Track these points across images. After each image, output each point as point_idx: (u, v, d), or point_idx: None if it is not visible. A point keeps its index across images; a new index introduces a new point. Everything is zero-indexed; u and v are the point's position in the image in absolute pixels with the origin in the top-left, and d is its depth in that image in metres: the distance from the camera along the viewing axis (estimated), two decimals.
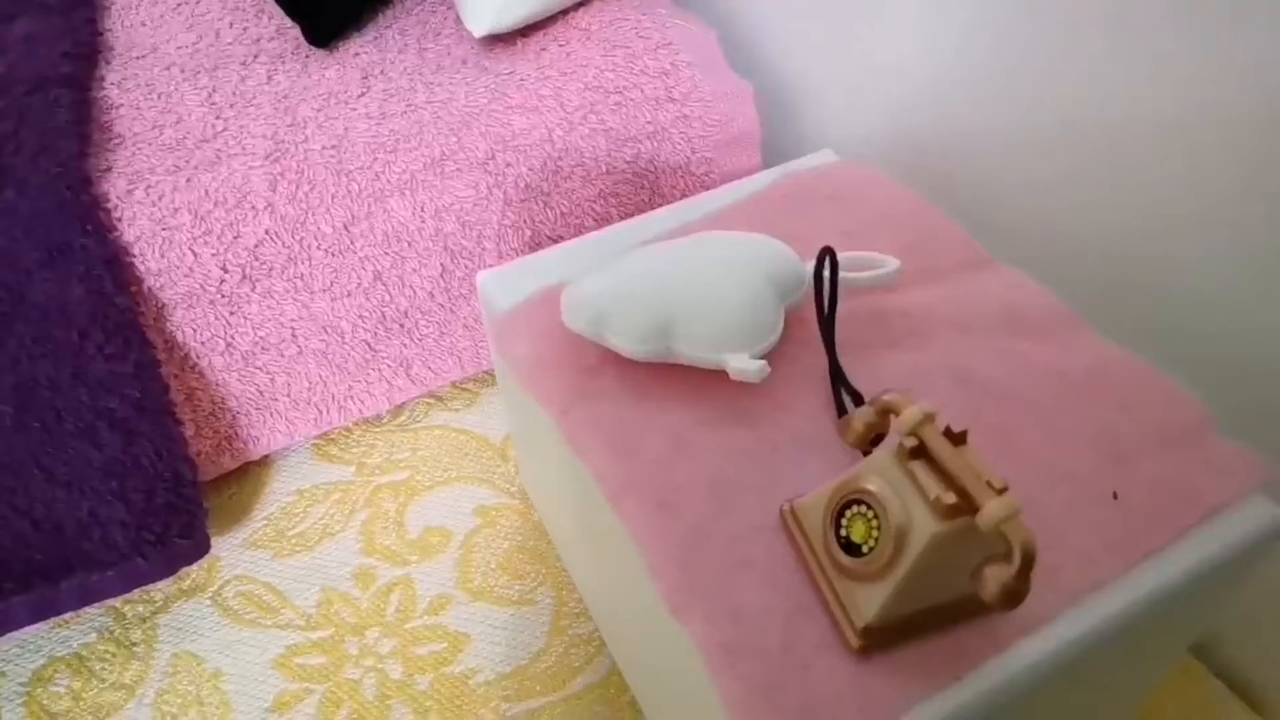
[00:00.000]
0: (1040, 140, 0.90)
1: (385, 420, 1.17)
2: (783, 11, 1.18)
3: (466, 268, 1.06)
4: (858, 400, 0.66)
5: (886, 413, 0.57)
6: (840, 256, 0.73)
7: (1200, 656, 0.91)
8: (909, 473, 0.53)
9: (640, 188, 1.11)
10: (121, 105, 1.02)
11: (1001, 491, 0.50)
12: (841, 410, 0.67)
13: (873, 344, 0.73)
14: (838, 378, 0.68)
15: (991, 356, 0.72)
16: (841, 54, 1.10)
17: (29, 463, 0.86)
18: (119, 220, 0.90)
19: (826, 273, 0.70)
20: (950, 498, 0.51)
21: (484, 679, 0.90)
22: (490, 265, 1.07)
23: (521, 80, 1.04)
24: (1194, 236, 0.80)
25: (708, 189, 1.13)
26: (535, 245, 1.08)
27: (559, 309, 0.75)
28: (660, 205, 1.14)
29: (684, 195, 1.13)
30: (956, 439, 0.54)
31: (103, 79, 1.05)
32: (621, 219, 1.12)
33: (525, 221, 1.06)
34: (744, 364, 0.65)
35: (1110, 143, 0.84)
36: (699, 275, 0.69)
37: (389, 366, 1.09)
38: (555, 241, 1.09)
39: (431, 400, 1.19)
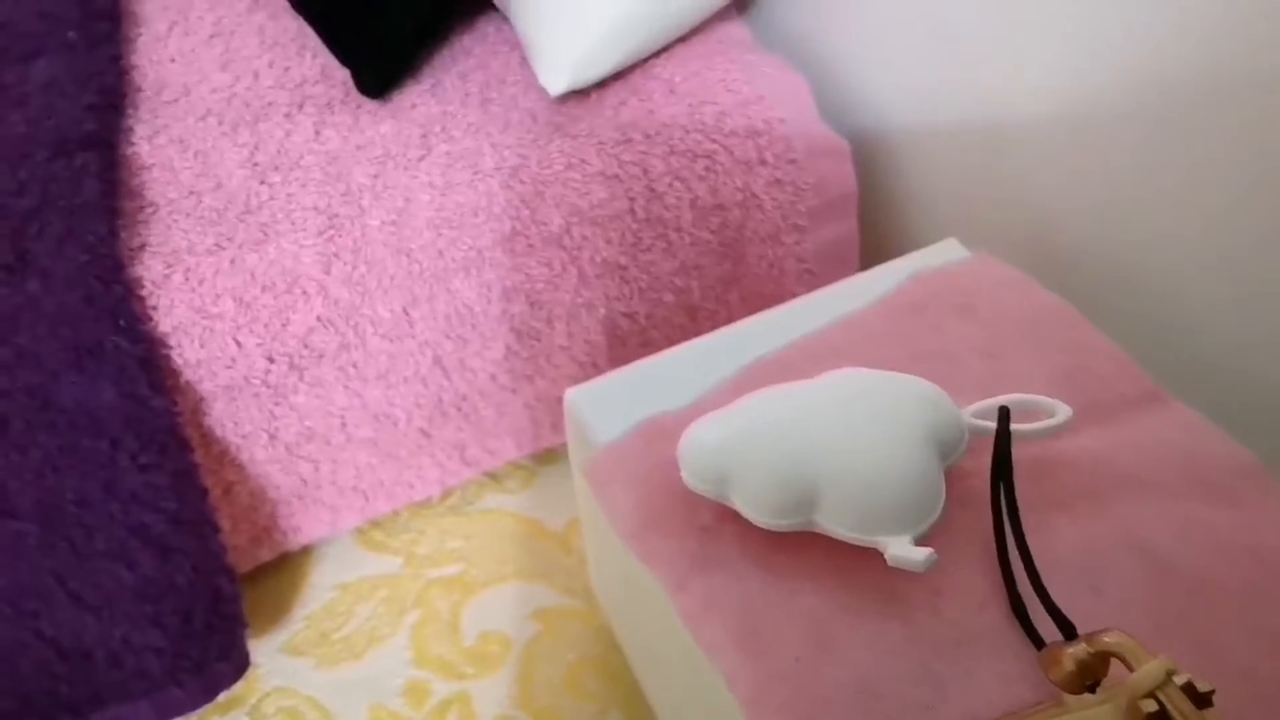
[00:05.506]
0: (1244, 242, 0.73)
1: (434, 502, 1.07)
2: (879, 47, 1.03)
3: (532, 348, 0.96)
4: (1063, 625, 0.53)
5: (1106, 656, 0.47)
6: (999, 399, 0.63)
7: None
8: None
9: (724, 258, 1.01)
10: (153, 165, 0.91)
11: None
12: (1022, 616, 0.56)
13: (1036, 504, 0.62)
14: (1041, 595, 0.55)
15: (1176, 527, 0.62)
16: (956, 104, 0.95)
17: (55, 586, 0.77)
18: (154, 309, 0.80)
19: (982, 422, 0.60)
20: None
21: None
22: (560, 345, 0.97)
23: (601, 144, 0.93)
24: None
25: (799, 260, 1.03)
26: (609, 323, 0.98)
27: (663, 445, 0.65)
28: (744, 275, 1.03)
29: (770, 267, 1.02)
30: (1200, 699, 0.44)
31: (131, 130, 0.94)
32: (701, 293, 1.01)
33: (600, 299, 0.96)
34: (907, 552, 0.55)
35: None
36: (846, 432, 0.58)
37: (442, 450, 0.99)
38: (629, 318, 0.99)
39: (484, 479, 1.09)
